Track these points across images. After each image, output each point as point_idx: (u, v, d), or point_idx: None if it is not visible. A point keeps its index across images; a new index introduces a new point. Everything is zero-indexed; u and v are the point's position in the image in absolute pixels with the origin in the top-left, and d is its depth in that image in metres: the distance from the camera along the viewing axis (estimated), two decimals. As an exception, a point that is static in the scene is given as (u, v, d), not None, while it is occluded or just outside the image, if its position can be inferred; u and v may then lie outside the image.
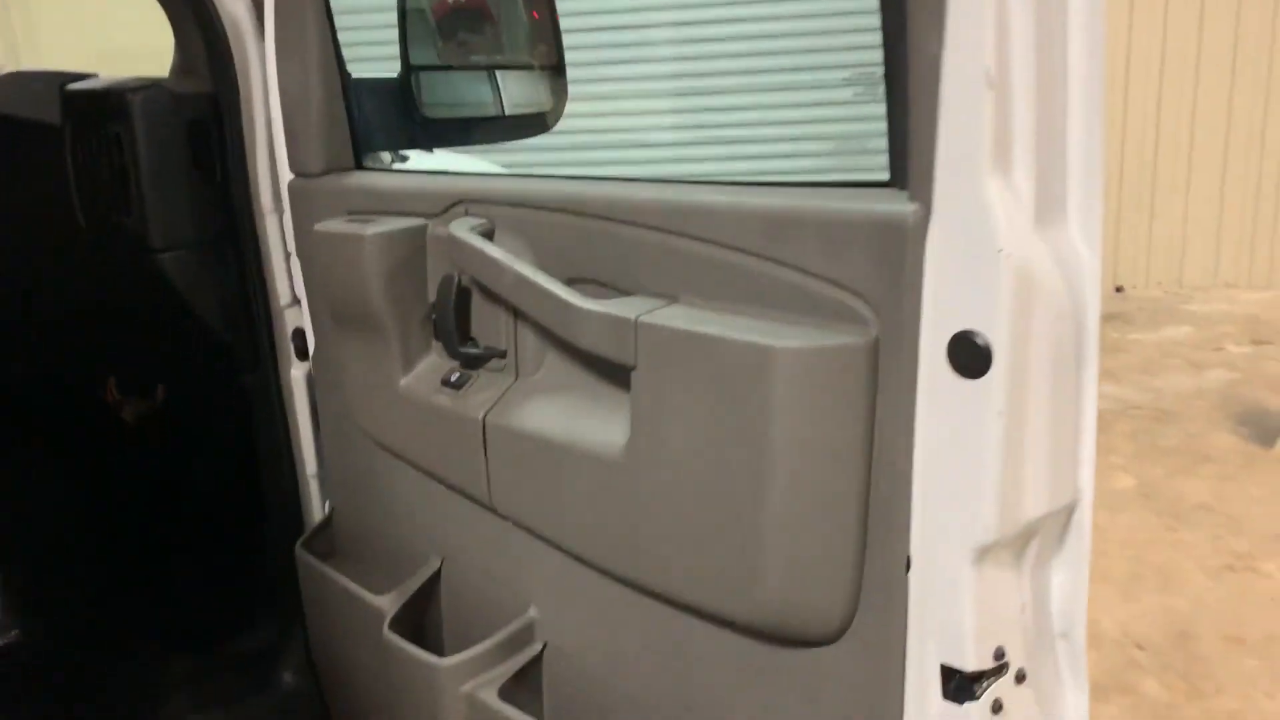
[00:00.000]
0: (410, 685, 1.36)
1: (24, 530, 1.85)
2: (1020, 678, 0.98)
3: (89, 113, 1.52)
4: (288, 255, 1.71)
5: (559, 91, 1.68)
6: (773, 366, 0.94)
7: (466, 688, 1.30)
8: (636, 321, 1.05)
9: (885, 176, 0.96)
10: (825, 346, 0.93)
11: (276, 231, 1.69)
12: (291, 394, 1.75)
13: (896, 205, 0.90)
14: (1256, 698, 3.08)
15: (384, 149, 1.63)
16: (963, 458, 0.90)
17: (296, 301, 1.74)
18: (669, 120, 6.82)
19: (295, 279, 1.71)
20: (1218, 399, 5.25)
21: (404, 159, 1.69)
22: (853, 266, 0.93)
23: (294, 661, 1.84)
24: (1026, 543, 0.96)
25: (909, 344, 0.91)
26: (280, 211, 1.68)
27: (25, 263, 1.64)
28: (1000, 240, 0.85)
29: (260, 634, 1.95)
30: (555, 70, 1.67)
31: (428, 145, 1.69)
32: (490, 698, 1.28)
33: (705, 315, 1.03)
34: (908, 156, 0.90)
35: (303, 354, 1.76)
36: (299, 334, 1.75)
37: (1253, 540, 3.93)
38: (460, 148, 1.97)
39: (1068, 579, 0.99)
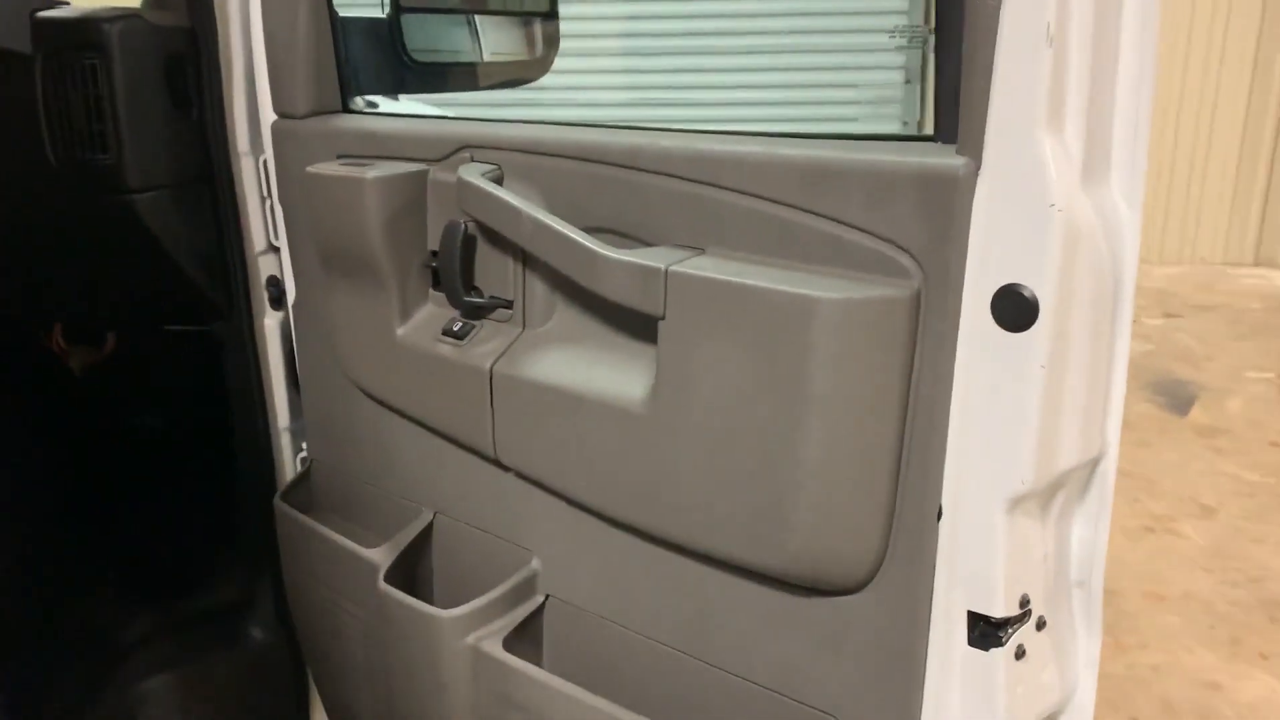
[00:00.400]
0: (409, 638, 1.35)
1: None
2: (1040, 625, 1.01)
3: (62, 42, 1.44)
4: (264, 200, 1.65)
5: (551, 40, 1.65)
6: (815, 317, 0.95)
7: (470, 639, 1.29)
8: (667, 271, 1.04)
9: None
10: (868, 298, 0.94)
11: (253, 175, 1.63)
12: (264, 343, 1.70)
13: (945, 159, 0.91)
14: (1177, 652, 3.22)
15: (369, 92, 1.58)
16: (1002, 409, 0.92)
17: (271, 248, 1.69)
18: (679, 75, 6.89)
19: (271, 225, 1.66)
20: (1133, 369, 5.44)
21: (389, 102, 1.65)
22: (897, 219, 0.93)
23: (262, 617, 1.80)
24: (1054, 493, 0.99)
25: (952, 297, 0.92)
26: (258, 154, 1.62)
27: None
28: (1052, 196, 0.86)
29: (226, 589, 1.90)
30: (548, 17, 1.63)
31: (415, 89, 1.65)
32: (495, 649, 1.27)
33: (737, 266, 1.03)
34: (958, 111, 0.91)
35: (276, 303, 1.71)
36: (273, 282, 1.70)
37: (1169, 503, 4.11)
38: (448, 93, 1.92)
39: (1088, 528, 1.02)
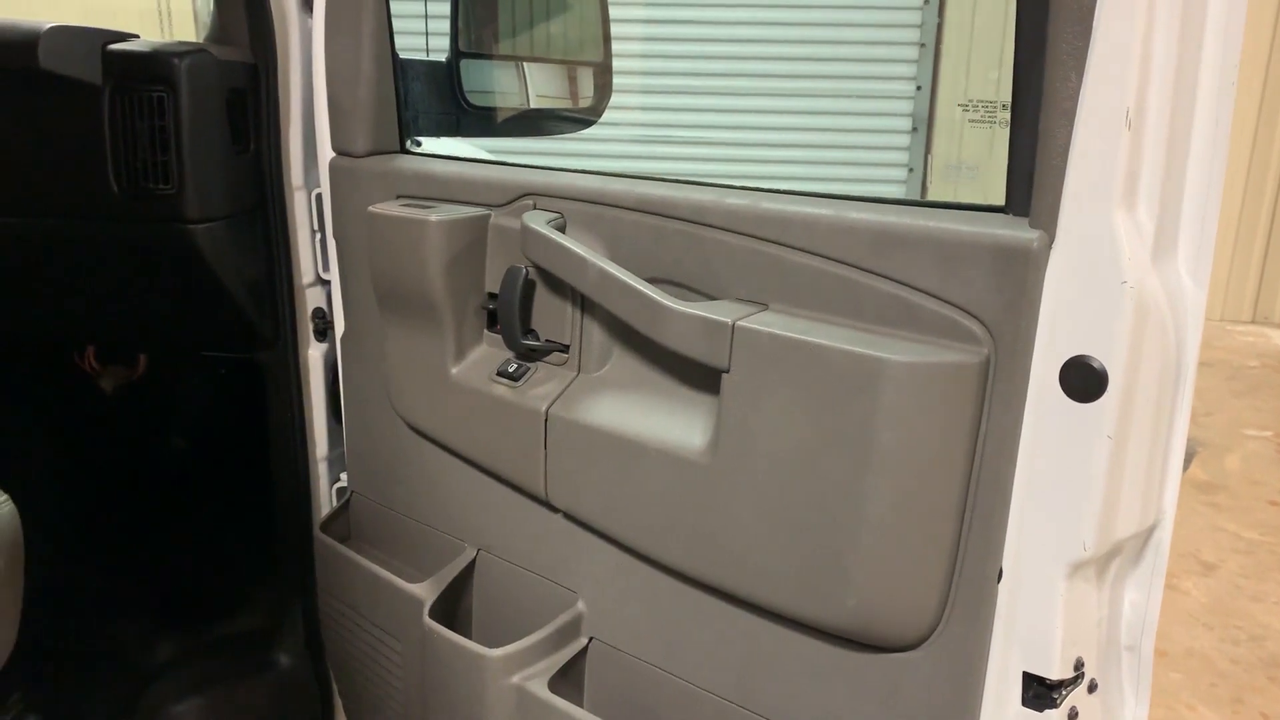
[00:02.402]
0: (453, 675, 1.36)
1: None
2: (1092, 687, 1.03)
3: (132, 75, 1.47)
4: (314, 233, 1.68)
5: (604, 88, 1.69)
6: (885, 379, 0.97)
7: (515, 679, 1.30)
8: (734, 326, 1.07)
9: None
10: (938, 362, 0.97)
11: (304, 208, 1.66)
12: (308, 373, 1.73)
13: (1018, 231, 0.94)
14: (1179, 709, 3.24)
15: (426, 133, 1.61)
16: (1067, 477, 0.95)
17: (319, 281, 1.71)
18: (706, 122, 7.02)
19: (319, 258, 1.69)
20: (1134, 422, 5.49)
21: (445, 144, 1.68)
22: (968, 286, 0.96)
23: (290, 644, 1.81)
24: (1111, 559, 1.01)
25: (1021, 365, 0.95)
26: (311, 188, 1.65)
27: (48, 224, 1.58)
28: (1124, 273, 0.89)
29: (255, 615, 1.91)
30: (602, 68, 1.67)
31: (471, 133, 1.68)
32: (540, 689, 1.28)
33: (803, 324, 1.06)
34: (1032, 185, 0.94)
35: (321, 334, 1.73)
36: (319, 314, 1.72)
37: (1170, 559, 4.12)
38: (503, 138, 1.96)
39: (1140, 594, 1.05)
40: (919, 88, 6.96)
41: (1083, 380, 0.92)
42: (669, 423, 1.20)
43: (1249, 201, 7.25)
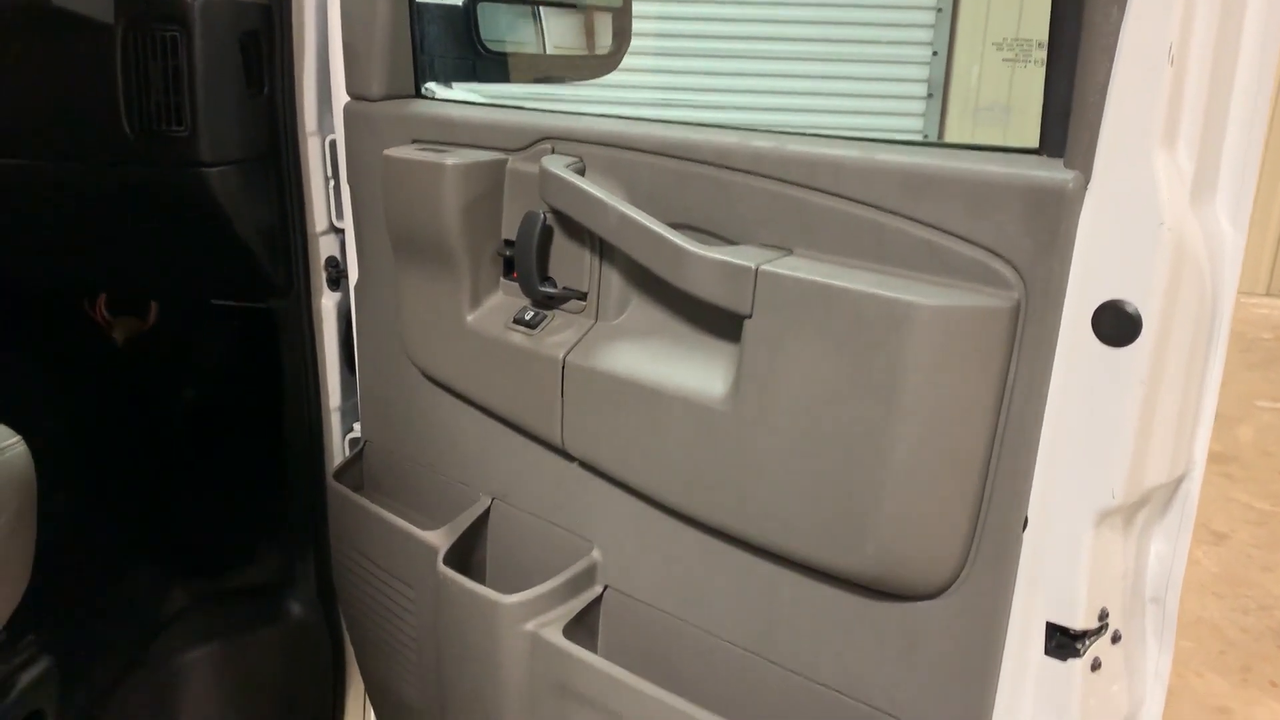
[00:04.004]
0: (467, 622, 1.35)
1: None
2: (1116, 638, 1.02)
3: (145, 14, 1.45)
4: (327, 180, 1.66)
5: (622, 34, 1.65)
6: (913, 323, 0.95)
7: (529, 626, 1.29)
8: (757, 270, 1.05)
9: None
10: (967, 306, 0.95)
11: (318, 155, 1.64)
12: (320, 323, 1.71)
13: (1053, 172, 0.91)
14: (1188, 676, 3.24)
15: (442, 79, 1.58)
16: (1097, 423, 0.93)
17: (333, 229, 1.70)
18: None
19: (333, 206, 1.67)
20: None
21: (460, 90, 1.65)
22: (1000, 229, 0.94)
23: (303, 594, 1.81)
24: (1139, 509, 0.99)
25: (1053, 309, 0.93)
26: (325, 134, 1.63)
27: (59, 166, 1.56)
28: (1162, 214, 0.87)
29: (268, 566, 1.91)
30: (621, 13, 1.64)
31: (487, 79, 1.65)
32: (554, 636, 1.28)
33: (828, 268, 1.04)
34: (1068, 125, 0.92)
35: (334, 283, 1.72)
36: (332, 263, 1.71)
37: (1181, 528, 4.11)
38: (519, 85, 1.93)
39: (1167, 545, 1.03)
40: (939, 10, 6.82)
41: (1116, 325, 0.90)
42: (689, 370, 1.18)
43: (1266, 173, 7.16)
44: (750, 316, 1.07)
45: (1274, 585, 3.74)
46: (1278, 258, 7.32)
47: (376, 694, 1.69)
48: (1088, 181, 0.90)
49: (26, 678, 1.32)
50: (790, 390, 1.05)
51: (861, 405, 1.00)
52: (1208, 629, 3.46)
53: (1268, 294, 7.43)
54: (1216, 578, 3.77)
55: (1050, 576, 0.98)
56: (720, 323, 1.17)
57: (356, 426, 1.77)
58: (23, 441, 1.24)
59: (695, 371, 1.17)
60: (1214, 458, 4.75)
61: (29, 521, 1.24)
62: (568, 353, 1.28)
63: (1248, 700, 3.12)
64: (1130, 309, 0.89)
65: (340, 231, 1.69)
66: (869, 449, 1.00)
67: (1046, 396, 0.95)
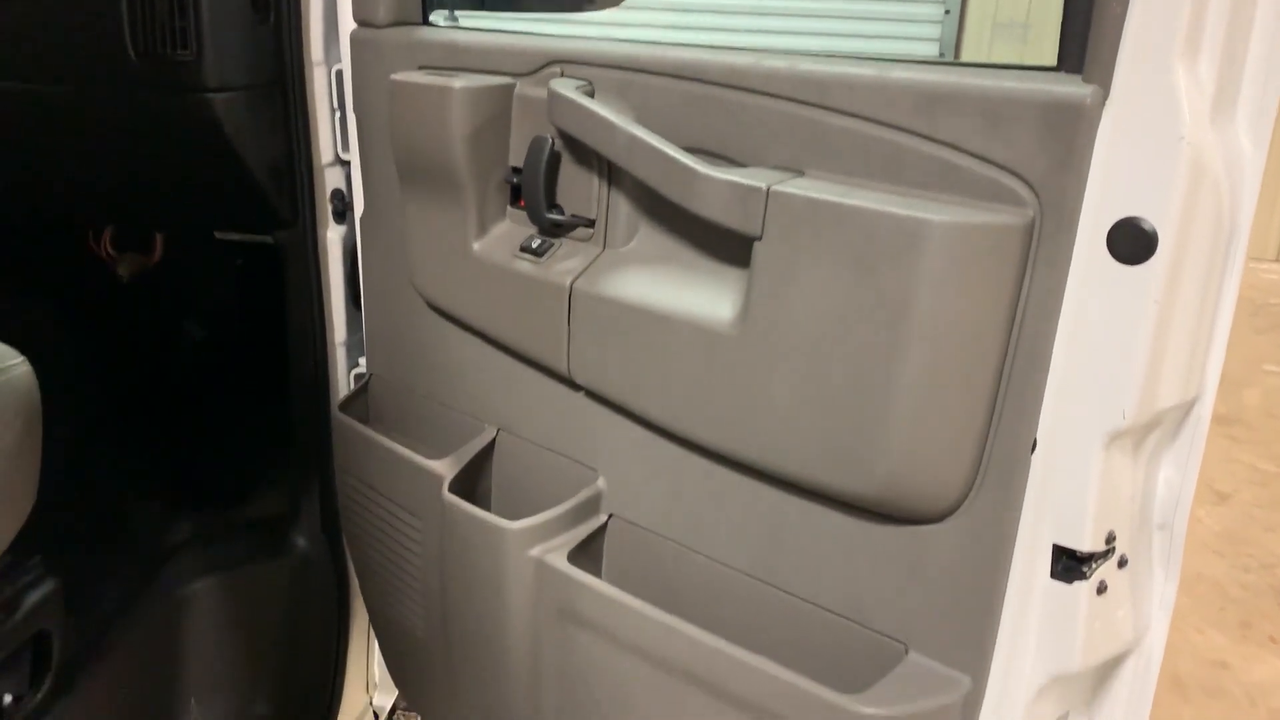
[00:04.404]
0: (472, 549, 1.35)
1: None
2: (1122, 563, 1.02)
3: None
4: (333, 111, 1.64)
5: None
6: (925, 240, 0.94)
7: (534, 552, 1.30)
8: (768, 190, 1.04)
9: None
10: (981, 224, 0.93)
11: (324, 84, 1.62)
12: (326, 256, 1.70)
13: (1071, 87, 0.90)
14: (1188, 631, 3.25)
15: (447, 5, 1.56)
16: (1109, 343, 0.92)
17: (339, 161, 1.68)
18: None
19: (339, 137, 1.66)
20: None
21: (466, 17, 1.63)
22: (1015, 146, 0.93)
23: (308, 528, 1.81)
24: (1149, 432, 0.99)
25: (1067, 227, 0.92)
26: (331, 64, 1.61)
27: (63, 90, 1.55)
28: (1181, 128, 0.86)
29: (272, 500, 1.91)
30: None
31: (495, 6, 1.63)
32: (559, 562, 1.28)
33: (840, 188, 1.03)
34: (1087, 39, 0.90)
35: (340, 216, 1.71)
36: (338, 195, 1.69)
37: (1184, 487, 4.12)
38: (527, 12, 1.90)
39: (1176, 471, 1.03)
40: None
41: (1131, 242, 0.89)
42: (697, 296, 1.17)
43: (1276, 140, 7.10)
44: (760, 239, 1.06)
45: (1275, 544, 3.75)
46: (1288, 223, 7.26)
47: (381, 626, 1.70)
48: (1106, 96, 0.88)
49: (32, 598, 1.32)
50: (800, 312, 1.04)
51: (872, 326, 0.99)
52: (1208, 586, 3.47)
53: (1278, 259, 7.38)
54: (1218, 536, 3.77)
55: (1058, 499, 0.98)
56: (729, 248, 1.16)
57: (362, 362, 1.76)
58: (27, 362, 1.24)
59: (704, 297, 1.16)
60: (1219, 419, 4.74)
61: (34, 441, 1.24)
62: (575, 280, 1.27)
63: (1246, 655, 3.13)
64: (1146, 226, 0.88)
65: (346, 164, 1.68)
66: (879, 370, 0.99)
67: (1059, 316, 0.94)
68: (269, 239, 1.73)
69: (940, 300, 0.95)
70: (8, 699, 1.38)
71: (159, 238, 2.17)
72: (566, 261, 1.30)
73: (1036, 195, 0.93)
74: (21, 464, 1.21)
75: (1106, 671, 1.11)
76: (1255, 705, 2.92)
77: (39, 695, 1.39)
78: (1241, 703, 2.94)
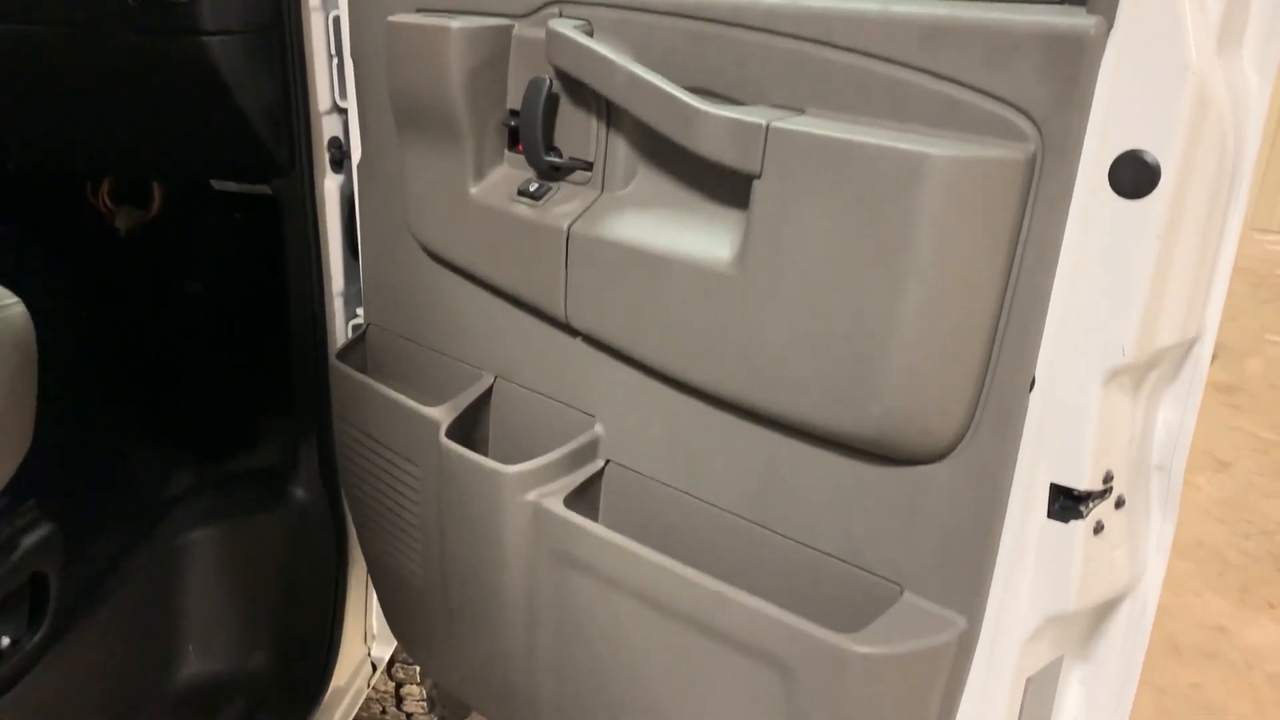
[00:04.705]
0: (469, 494, 1.35)
1: None
2: (1119, 504, 1.02)
3: None
4: (331, 58, 1.63)
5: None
6: (925, 175, 0.93)
7: (531, 496, 1.29)
8: (768, 127, 1.02)
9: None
10: (981, 158, 0.92)
11: (322, 30, 1.60)
12: (323, 205, 1.69)
13: (1075, 19, 0.88)
14: (1186, 596, 3.26)
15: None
16: (1110, 279, 0.91)
17: (336, 109, 1.67)
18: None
19: (337, 85, 1.64)
20: (1155, 324, 5.45)
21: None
22: (1018, 80, 0.91)
23: (306, 479, 1.81)
24: (1148, 371, 0.98)
25: (1069, 161, 0.91)
26: (329, 9, 1.60)
27: (58, 32, 1.53)
28: (1187, 58, 0.84)
29: (271, 452, 1.91)
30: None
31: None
32: (556, 506, 1.28)
33: (841, 125, 1.01)
34: None
35: (337, 165, 1.69)
36: (335, 143, 1.68)
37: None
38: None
39: (1175, 412, 1.02)
40: None
41: (1133, 175, 0.88)
42: (696, 237, 1.16)
43: (1278, 111, 7.05)
44: (760, 176, 1.05)
45: (1275, 511, 3.75)
46: (1294, 194, 7.22)
47: (379, 575, 1.70)
48: (1110, 27, 0.87)
49: (29, 540, 1.32)
50: (798, 251, 1.03)
51: (871, 263, 0.98)
52: (1208, 552, 3.47)
53: (1282, 231, 7.35)
54: (1218, 503, 3.77)
55: (1056, 437, 0.97)
56: (729, 188, 1.14)
57: (360, 313, 1.76)
58: (22, 303, 1.23)
59: (702, 238, 1.15)
60: (1221, 388, 4.74)
61: (30, 381, 1.23)
62: (573, 223, 1.26)
63: (1244, 620, 3.14)
64: (1149, 159, 0.87)
65: (343, 112, 1.66)
66: (877, 307, 0.98)
67: (1059, 252, 0.93)
68: (267, 190, 1.72)
69: (940, 236, 0.94)
70: (5, 641, 1.39)
71: (157, 191, 2.15)
72: (564, 205, 1.29)
73: (1038, 129, 0.91)
74: (16, 403, 1.21)
75: (1102, 615, 1.11)
76: (1252, 669, 2.93)
77: (36, 638, 1.39)
78: (1238, 666, 2.95)
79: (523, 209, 1.31)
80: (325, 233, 1.70)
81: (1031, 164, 0.92)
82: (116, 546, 1.70)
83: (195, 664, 1.82)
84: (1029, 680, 1.08)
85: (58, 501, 1.46)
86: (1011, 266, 0.95)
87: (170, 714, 1.74)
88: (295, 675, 1.80)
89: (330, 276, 1.73)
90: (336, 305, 1.75)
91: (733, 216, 1.14)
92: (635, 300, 1.20)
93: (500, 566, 1.35)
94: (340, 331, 1.77)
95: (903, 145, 0.94)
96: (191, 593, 1.81)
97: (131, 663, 1.71)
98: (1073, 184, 0.91)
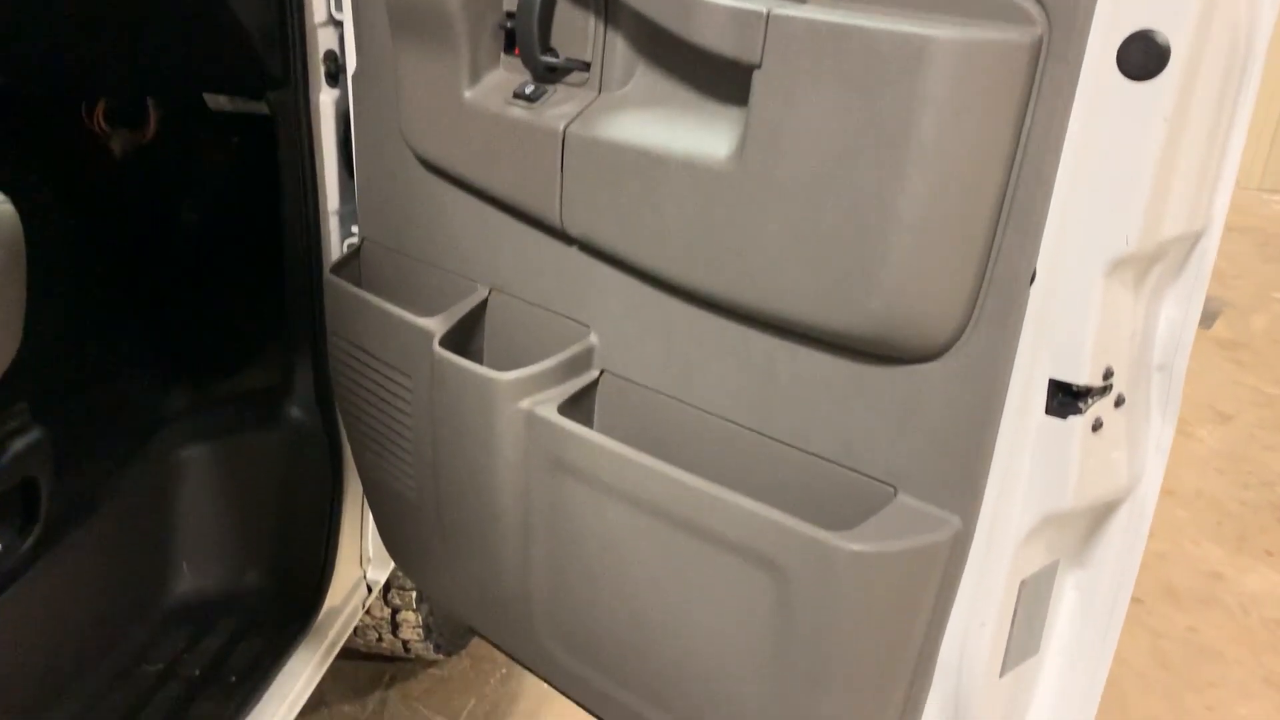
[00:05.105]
0: (462, 402, 1.34)
1: None
2: (1119, 402, 1.00)
3: None
4: None
5: None
6: (929, 59, 0.91)
7: (525, 404, 1.28)
8: (769, 15, 1.00)
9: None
10: (987, 40, 0.90)
11: None
12: (319, 119, 1.66)
13: None
14: (1183, 543, 3.26)
15: None
16: (1116, 164, 0.89)
17: (332, 21, 1.64)
18: None
19: None
20: (1160, 281, 5.42)
21: None
22: None
23: (301, 399, 1.80)
24: (1152, 264, 0.96)
25: (1076, 43, 0.88)
26: None
27: None
28: None
29: (266, 373, 1.90)
30: None
31: None
32: (549, 413, 1.26)
33: (842, 10, 0.99)
34: None
35: (333, 79, 1.66)
36: (330, 56, 1.65)
37: (1186, 408, 4.11)
38: None
39: (1179, 309, 1.00)
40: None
41: (1143, 56, 0.86)
42: (694, 135, 1.14)
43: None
44: (759, 67, 1.02)
45: (1275, 463, 3.74)
46: (1304, 155, 7.16)
47: (373, 493, 1.69)
48: None
49: (19, 444, 1.31)
50: (798, 143, 1.01)
51: (872, 152, 0.96)
52: (1207, 502, 3.47)
53: (1291, 191, 7.29)
54: (1219, 454, 3.77)
55: (1056, 331, 0.96)
56: (728, 85, 1.12)
57: (355, 230, 1.73)
58: (9, 201, 1.21)
59: (701, 136, 1.13)
60: (1225, 344, 4.72)
61: (17, 282, 1.22)
62: (569, 124, 1.23)
63: (1242, 567, 3.14)
64: (1159, 39, 0.85)
65: (339, 25, 1.63)
66: (878, 199, 0.96)
67: (1064, 139, 0.91)
68: (263, 109, 1.70)
69: (943, 122, 0.92)
70: None
71: (153, 114, 2.13)
72: (560, 107, 1.26)
73: (1045, 11, 0.89)
74: (4, 303, 1.19)
75: (1098, 520, 1.10)
76: (1249, 614, 2.94)
77: (27, 544, 1.38)
78: (1235, 611, 2.95)
79: (518, 112, 1.29)
80: (320, 148, 1.68)
81: (1038, 47, 0.90)
82: (109, 461, 1.69)
83: (188, 580, 1.82)
84: (1023, 583, 1.07)
85: (50, 413, 1.45)
86: (1016, 154, 0.93)
87: (162, 629, 1.74)
88: (289, 594, 1.80)
89: (326, 194, 1.71)
90: (332, 224, 1.73)
91: (732, 113, 1.11)
92: (631, 202, 1.18)
93: (494, 476, 1.34)
94: (335, 250, 1.75)
95: (906, 29, 0.92)
96: (185, 509, 1.81)
97: (123, 576, 1.71)
98: (1080, 67, 0.89)
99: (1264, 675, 2.71)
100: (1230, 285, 5.45)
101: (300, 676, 1.70)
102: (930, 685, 1.11)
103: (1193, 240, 0.97)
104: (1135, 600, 2.97)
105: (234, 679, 1.64)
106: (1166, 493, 3.50)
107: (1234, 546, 3.23)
